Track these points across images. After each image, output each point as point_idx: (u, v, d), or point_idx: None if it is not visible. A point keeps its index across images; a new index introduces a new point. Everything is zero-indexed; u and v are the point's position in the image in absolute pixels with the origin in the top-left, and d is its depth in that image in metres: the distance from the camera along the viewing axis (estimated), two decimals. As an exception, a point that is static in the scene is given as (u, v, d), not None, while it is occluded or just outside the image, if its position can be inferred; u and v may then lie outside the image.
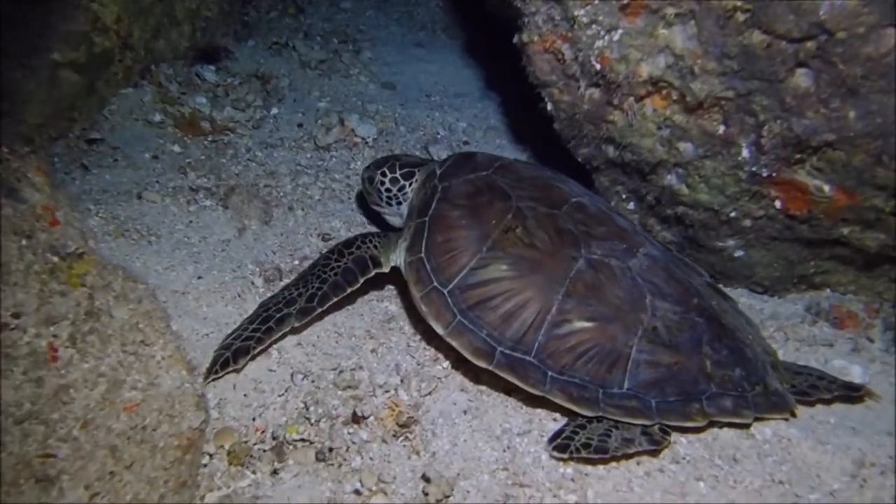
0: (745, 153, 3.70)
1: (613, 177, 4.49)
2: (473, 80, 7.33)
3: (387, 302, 4.12)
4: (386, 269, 3.96)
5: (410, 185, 4.33)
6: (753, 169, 3.72)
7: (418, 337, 3.86)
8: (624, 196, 4.61)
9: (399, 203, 4.36)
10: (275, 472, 3.05)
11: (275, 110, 5.98)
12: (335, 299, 3.73)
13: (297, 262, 4.25)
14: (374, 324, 3.92)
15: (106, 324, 2.72)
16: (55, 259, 2.78)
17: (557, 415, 3.39)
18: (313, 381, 3.46)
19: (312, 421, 3.24)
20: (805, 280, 4.61)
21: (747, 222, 4.13)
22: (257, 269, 4.06)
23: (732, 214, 4.08)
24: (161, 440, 2.62)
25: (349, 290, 3.78)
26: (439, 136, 6.11)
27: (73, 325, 2.68)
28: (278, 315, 3.60)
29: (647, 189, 4.31)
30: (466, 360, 3.64)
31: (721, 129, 3.68)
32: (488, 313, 3.52)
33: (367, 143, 5.68)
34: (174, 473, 2.64)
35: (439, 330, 3.56)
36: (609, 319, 3.45)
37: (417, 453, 3.15)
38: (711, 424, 3.32)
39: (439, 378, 3.57)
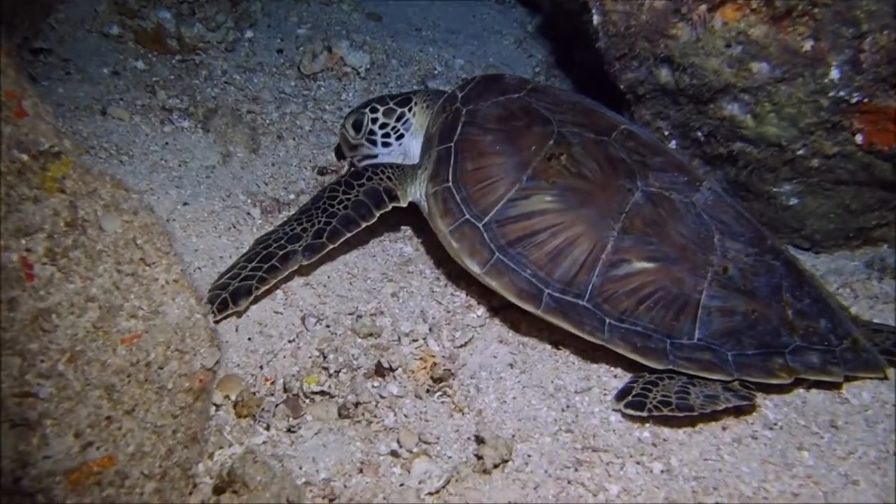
0: (833, 74, 3.47)
1: (658, 108, 4.23)
2: (466, 18, 6.99)
3: (401, 243, 3.81)
4: (403, 203, 3.63)
5: (410, 111, 4.00)
6: (841, 94, 3.50)
7: (442, 281, 3.56)
8: (666, 133, 4.35)
9: (400, 136, 4.02)
10: (291, 429, 2.70)
11: (249, 33, 5.56)
12: (348, 235, 3.40)
13: (292, 197, 3.89)
14: (390, 266, 3.60)
15: (94, 238, 2.33)
16: (24, 157, 2.36)
17: (618, 370, 3.14)
18: (328, 327, 3.13)
19: (331, 371, 2.92)
20: (861, 234, 4.42)
21: (815, 162, 3.90)
22: (249, 200, 3.68)
23: (800, 152, 3.86)
24: (169, 381, 2.26)
25: (363, 226, 3.46)
26: (437, 72, 5.77)
27: (50, 237, 2.29)
28: (282, 252, 3.25)
29: (699, 122, 4.05)
30: (503, 308, 3.36)
31: (808, 44, 3.44)
32: (532, 250, 3.24)
33: (358, 73, 5.32)
34: (184, 422, 2.29)
35: (474, 269, 3.26)
36: (673, 260, 3.19)
37: (461, 411, 2.85)
38: (797, 383, 3.08)
39: (474, 328, 3.28)
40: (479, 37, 6.62)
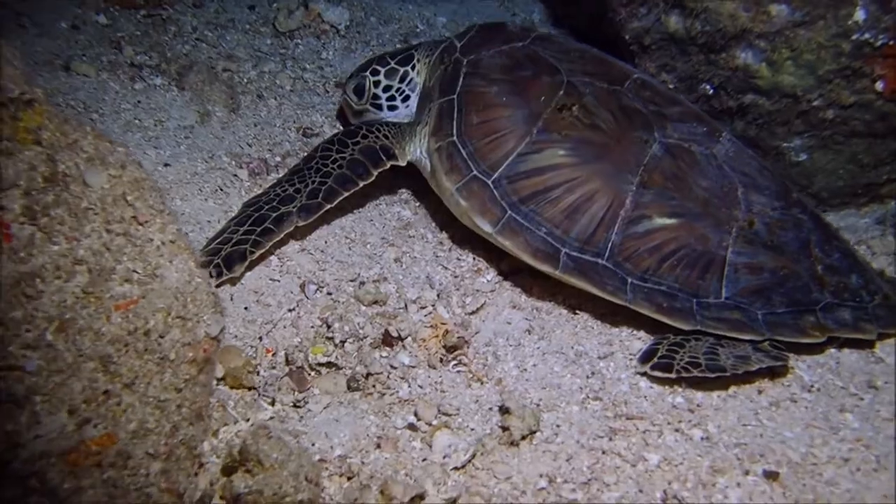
0: (859, 14, 3.37)
1: (665, 60, 4.09)
2: (444, -28, 6.79)
3: (399, 206, 3.64)
4: (402, 162, 3.47)
5: (414, 69, 3.81)
6: (865, 36, 3.40)
7: (446, 245, 3.40)
8: (671, 86, 4.20)
9: (406, 97, 3.83)
10: (297, 403, 2.54)
11: (217, -13, 5.28)
12: (345, 195, 3.23)
13: (278, 159, 3.68)
14: (389, 230, 3.43)
15: (78, 194, 2.13)
16: (-8, 105, 2.15)
17: (642, 333, 3.03)
18: (330, 294, 2.97)
19: (337, 341, 2.75)
20: (870, 190, 4.35)
21: (830, 113, 3.80)
22: (233, 162, 3.48)
23: (816, 103, 3.75)
24: (171, 350, 2.08)
25: (360, 185, 3.29)
26: (419, 30, 5.57)
27: (27, 194, 2.08)
28: (276, 214, 3.07)
29: (709, 73, 3.93)
30: (513, 271, 3.22)
31: (832, -17, 3.33)
32: (547, 207, 3.10)
33: (337, 31, 5.10)
34: (188, 396, 2.11)
35: (486, 228, 3.11)
36: (696, 216, 3.08)
37: (479, 381, 2.71)
38: (828, 342, 2.99)
39: (484, 293, 3.13)
40: (461, -4, 6.43)
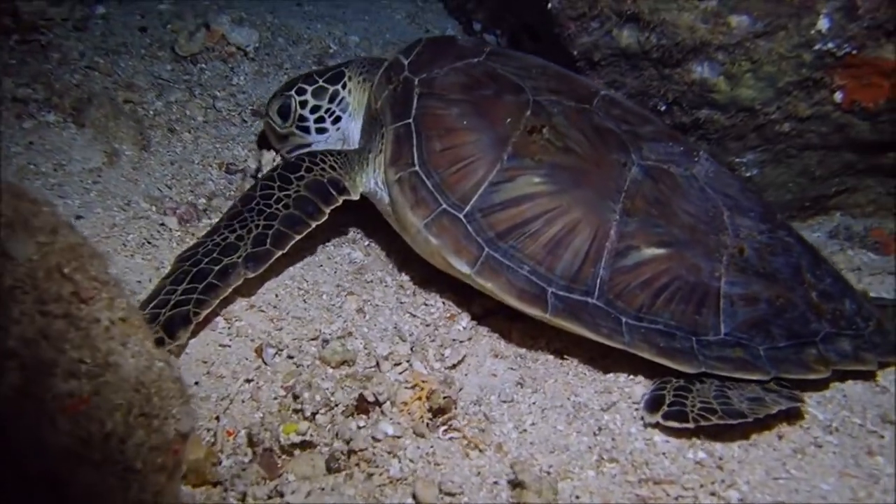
0: (822, 23, 3.31)
1: (614, 76, 3.95)
2: (348, -12, 6.51)
3: (347, 247, 3.33)
4: (355, 196, 3.17)
5: (345, 87, 3.53)
6: (828, 46, 3.35)
7: (408, 289, 3.12)
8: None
9: (337, 118, 3.54)
10: (271, 495, 2.18)
11: (100, 9, 4.85)
12: (296, 238, 2.92)
13: (203, 201, 3.30)
14: (343, 276, 3.12)
15: (-1, 267, 1.72)
16: None
17: (640, 377, 2.82)
18: (291, 357, 2.63)
19: (307, 414, 2.41)
20: (817, 203, 4.37)
21: (786, 126, 3.77)
22: (154, 207, 3.08)
23: (773, 116, 3.71)
24: (136, 458, 1.69)
25: (312, 226, 2.99)
26: (332, 51, 5.28)
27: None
28: (218, 267, 2.70)
29: (662, 89, 3.82)
30: (486, 314, 2.97)
31: (796, -9, 3.27)
32: (527, 242, 2.86)
33: (245, 53, 4.74)
34: (160, 514, 1.72)
35: (463, 268, 2.84)
36: (685, 244, 2.91)
37: (477, 448, 2.43)
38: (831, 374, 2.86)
39: (462, 342, 2.85)
40: (368, 11, 6.18)
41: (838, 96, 3.57)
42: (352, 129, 3.54)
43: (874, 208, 4.40)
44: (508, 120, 3.03)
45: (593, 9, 3.59)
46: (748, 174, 4.12)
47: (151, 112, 3.84)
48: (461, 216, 2.89)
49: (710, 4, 3.40)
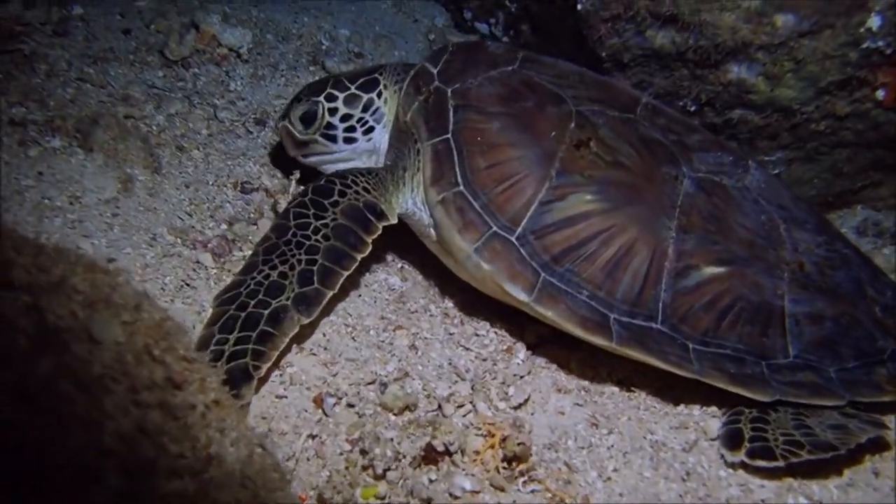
0: (873, 21, 3.28)
1: (643, 76, 3.88)
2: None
3: (383, 272, 3.22)
4: (393, 220, 3.05)
5: (380, 96, 3.38)
6: (878, 44, 3.33)
7: (455, 318, 3.04)
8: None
9: (370, 129, 3.40)
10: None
11: (77, 9, 4.60)
12: (345, 275, 2.79)
13: (224, 227, 3.15)
14: (385, 306, 3.01)
15: (85, 357, 1.59)
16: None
17: (713, 408, 2.77)
18: (352, 406, 2.51)
19: (378, 471, 2.30)
20: (841, 198, 4.37)
21: (822, 125, 3.75)
22: (179, 241, 2.93)
23: (811, 115, 3.68)
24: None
25: (358, 259, 2.85)
26: (324, 47, 5.11)
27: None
28: (267, 311, 2.57)
29: (694, 90, 3.76)
30: (540, 342, 2.89)
31: (848, -11, 3.22)
32: (584, 265, 2.79)
33: (238, 55, 4.55)
34: None
35: (520, 296, 2.75)
36: (745, 261, 2.86)
37: (563, 502, 2.33)
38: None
39: (521, 377, 2.77)
40: (353, 1, 6.01)
41: (880, 94, 3.55)
42: (384, 142, 3.41)
43: (896, 201, 4.41)
44: (553, 133, 2.94)
45: (629, 10, 3.50)
46: (774, 171, 4.09)
47: (155, 128, 3.65)
48: (513, 239, 2.80)
49: (754, 4, 3.33)
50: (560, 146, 2.91)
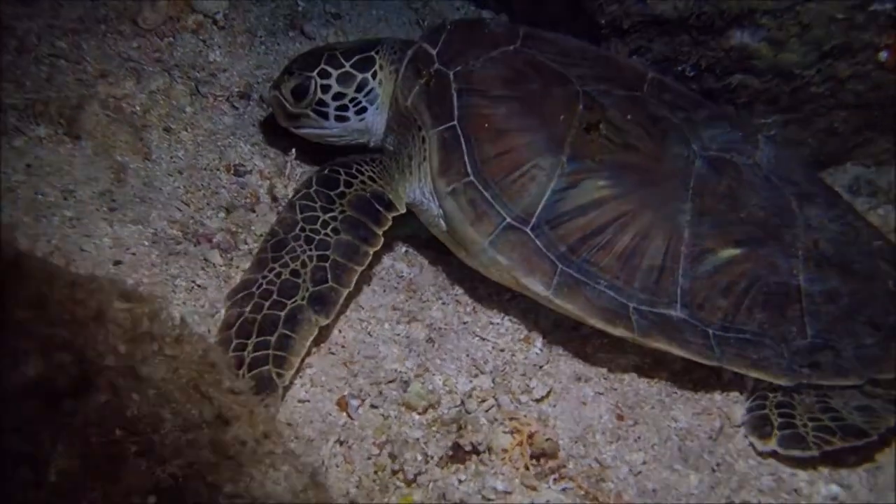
0: (882, -17, 3.29)
1: (640, 43, 3.84)
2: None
3: (388, 258, 3.18)
4: (401, 209, 3.02)
5: (375, 77, 3.31)
6: (886, 6, 3.38)
7: (467, 306, 3.03)
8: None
9: (362, 110, 3.33)
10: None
11: (40, -26, 4.39)
12: (359, 270, 2.76)
13: (222, 216, 3.08)
14: (397, 296, 3.00)
15: (130, 395, 1.56)
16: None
17: (735, 394, 2.80)
18: (376, 407, 2.50)
19: (409, 476, 2.31)
20: (833, 158, 4.41)
21: (822, 88, 3.77)
22: (181, 234, 2.87)
23: (812, 78, 3.68)
24: None
25: (371, 254, 2.82)
26: (300, 8, 4.95)
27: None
28: (284, 312, 2.54)
29: (693, 55, 3.75)
30: (553, 329, 2.89)
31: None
32: (600, 254, 2.79)
33: (215, 21, 4.38)
34: None
35: (538, 289, 2.75)
36: (759, 241, 2.88)
37: (597, 500, 2.36)
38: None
39: (540, 367, 2.78)
40: (317, -47, 5.81)
41: (883, 55, 3.59)
42: (377, 122, 3.34)
43: (889, 156, 4.47)
44: (562, 116, 2.91)
45: None
46: (770, 133, 4.11)
47: (139, 108, 3.52)
48: (528, 230, 2.79)
49: None
50: (569, 130, 2.89)
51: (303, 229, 2.76)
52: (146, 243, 2.75)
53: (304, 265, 2.67)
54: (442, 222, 2.94)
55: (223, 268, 2.79)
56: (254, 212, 3.16)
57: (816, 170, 4.38)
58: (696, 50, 3.73)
